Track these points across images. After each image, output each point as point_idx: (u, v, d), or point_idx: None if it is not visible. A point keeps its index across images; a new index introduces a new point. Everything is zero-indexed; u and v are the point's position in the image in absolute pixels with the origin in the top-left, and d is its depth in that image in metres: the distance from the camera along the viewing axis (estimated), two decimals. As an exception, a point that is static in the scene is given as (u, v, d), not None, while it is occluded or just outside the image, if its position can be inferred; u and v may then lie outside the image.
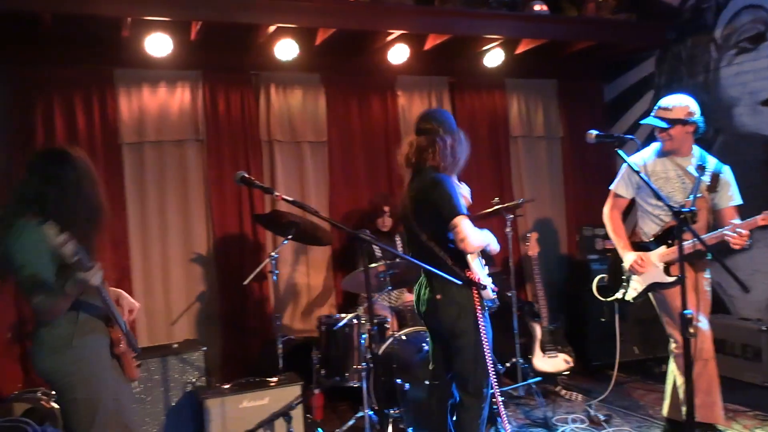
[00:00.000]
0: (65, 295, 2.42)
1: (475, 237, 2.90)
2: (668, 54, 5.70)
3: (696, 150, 3.57)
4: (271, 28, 4.51)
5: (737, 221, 3.32)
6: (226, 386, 3.79)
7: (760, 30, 4.89)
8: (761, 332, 4.66)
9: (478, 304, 2.96)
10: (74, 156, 2.65)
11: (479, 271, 3.03)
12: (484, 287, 2.95)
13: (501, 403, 3.21)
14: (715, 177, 3.51)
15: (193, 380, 4.01)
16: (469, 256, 2.97)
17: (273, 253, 4.14)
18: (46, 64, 4.44)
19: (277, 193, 2.64)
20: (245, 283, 4.20)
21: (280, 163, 5.18)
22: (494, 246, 3.08)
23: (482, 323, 2.96)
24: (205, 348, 4.17)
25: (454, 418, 3.08)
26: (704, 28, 5.33)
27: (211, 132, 4.90)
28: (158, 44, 4.39)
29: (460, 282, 2.81)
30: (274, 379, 3.85)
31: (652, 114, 3.56)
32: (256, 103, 5.09)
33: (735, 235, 3.24)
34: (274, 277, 4.17)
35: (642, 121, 3.50)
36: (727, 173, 3.56)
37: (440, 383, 3.24)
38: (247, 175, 2.63)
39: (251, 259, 4.83)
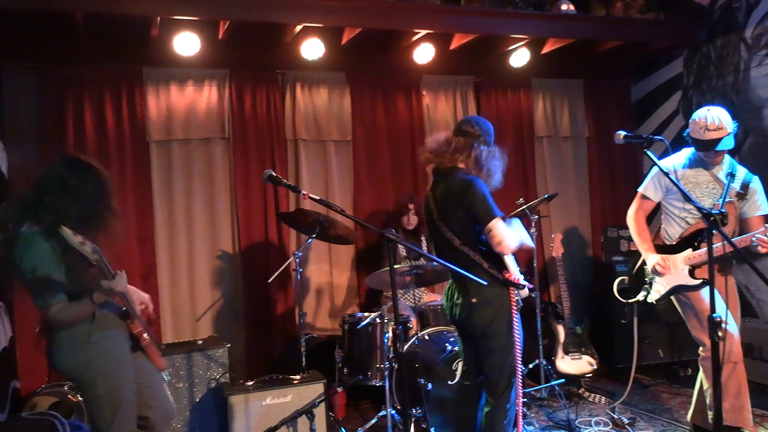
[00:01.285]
0: (90, 305, 2.47)
1: (511, 239, 2.88)
2: (697, 54, 5.61)
3: (726, 157, 3.53)
4: (298, 28, 4.54)
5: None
6: (250, 383, 3.82)
7: (793, 30, 4.80)
8: (791, 337, 4.59)
9: (514, 304, 2.95)
10: (87, 165, 2.68)
11: (515, 270, 3.02)
12: (523, 287, 2.94)
13: (522, 406, 3.18)
14: (745, 186, 3.49)
15: (217, 377, 4.04)
16: (505, 257, 2.96)
17: (297, 252, 4.16)
18: (77, 62, 4.51)
19: (304, 192, 2.67)
20: (269, 281, 4.24)
21: (305, 161, 5.20)
22: (528, 242, 3.06)
23: (516, 325, 2.95)
24: (229, 345, 4.20)
25: (482, 420, 3.07)
26: (735, 28, 5.24)
27: (238, 130, 4.94)
28: (186, 43, 4.44)
29: (487, 282, 2.79)
30: (297, 376, 3.87)
31: (690, 132, 3.46)
32: (281, 101, 5.12)
33: (765, 238, 3.19)
34: (298, 276, 4.19)
35: (718, 148, 3.40)
36: (756, 183, 3.53)
37: (471, 384, 3.23)
38: (274, 174, 2.66)
39: (276, 257, 4.86)
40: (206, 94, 4.91)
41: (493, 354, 3.00)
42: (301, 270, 4.25)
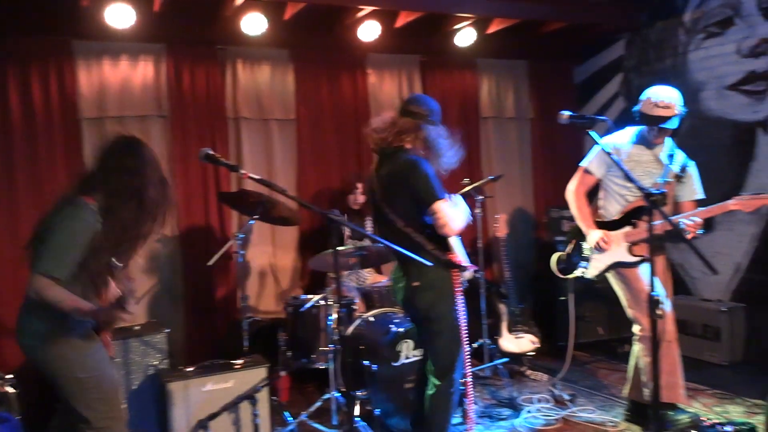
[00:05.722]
0: (78, 308, 2.33)
1: (455, 221, 2.85)
2: (638, 37, 5.72)
3: (667, 140, 3.59)
4: (239, 1, 4.37)
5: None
6: (190, 369, 3.71)
7: (728, 14, 4.92)
8: (721, 313, 4.77)
9: (457, 286, 2.93)
10: (147, 152, 2.63)
11: (460, 252, 2.99)
12: (467, 269, 2.92)
13: (470, 388, 3.19)
14: (683, 169, 3.57)
15: (156, 363, 3.92)
16: (450, 239, 2.93)
17: (239, 234, 4.05)
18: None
19: (243, 171, 2.56)
20: (210, 263, 4.11)
21: (246, 140, 5.07)
22: (466, 219, 3.03)
23: (459, 307, 2.93)
24: (168, 330, 4.07)
25: (426, 403, 3.06)
26: (674, 12, 5.35)
27: (175, 108, 4.76)
28: (120, 15, 4.23)
29: (431, 264, 2.75)
30: (240, 361, 3.78)
31: (640, 108, 3.50)
32: (222, 78, 4.95)
33: (692, 223, 3.28)
34: (240, 258, 4.09)
35: (664, 125, 3.44)
36: (693, 168, 3.62)
37: (422, 363, 3.22)
38: (212, 152, 2.54)
39: (217, 240, 4.74)
40: (142, 70, 4.71)
41: (436, 337, 2.98)
42: (243, 252, 4.14)
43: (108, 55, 4.61)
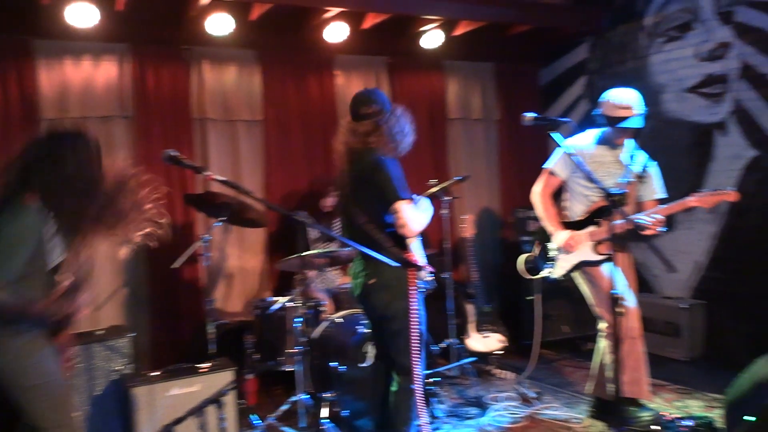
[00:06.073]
0: (26, 307, 2.26)
1: (415, 223, 2.88)
2: (601, 40, 5.82)
3: (629, 141, 3.67)
4: (204, 1, 4.34)
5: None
6: (155, 373, 3.66)
7: (687, 19, 5.04)
8: (681, 310, 4.89)
9: (413, 285, 2.95)
10: (83, 137, 2.48)
11: (418, 252, 3.02)
12: (421, 269, 2.94)
13: (426, 387, 3.20)
14: (645, 169, 3.64)
15: (120, 368, 3.85)
16: (410, 238, 2.96)
17: (205, 236, 4.01)
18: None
19: (207, 173, 2.55)
20: (174, 266, 4.06)
21: (213, 142, 5.02)
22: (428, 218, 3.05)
23: (415, 306, 2.95)
24: (133, 334, 4.01)
25: (391, 400, 3.08)
26: (635, 16, 5.46)
27: (140, 109, 4.69)
28: (81, 14, 4.16)
29: (395, 264, 2.78)
30: (206, 365, 3.75)
31: (602, 110, 3.57)
32: (187, 79, 4.90)
33: (649, 221, 3.35)
34: (206, 261, 4.05)
35: (624, 125, 3.50)
36: (654, 168, 3.69)
37: (382, 363, 3.23)
38: (175, 154, 2.51)
39: (183, 242, 4.67)
40: (105, 70, 4.64)
41: (396, 336, 3.00)
42: (209, 254, 4.10)
43: (70, 54, 4.52)
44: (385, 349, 3.15)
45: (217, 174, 2.59)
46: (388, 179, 2.88)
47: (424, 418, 3.08)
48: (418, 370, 3.04)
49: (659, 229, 3.38)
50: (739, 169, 4.74)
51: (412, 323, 2.96)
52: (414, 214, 2.89)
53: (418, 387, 3.03)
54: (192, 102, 4.92)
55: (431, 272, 3.02)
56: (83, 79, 4.57)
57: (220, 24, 4.53)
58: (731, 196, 3.36)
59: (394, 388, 3.05)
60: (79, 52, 4.55)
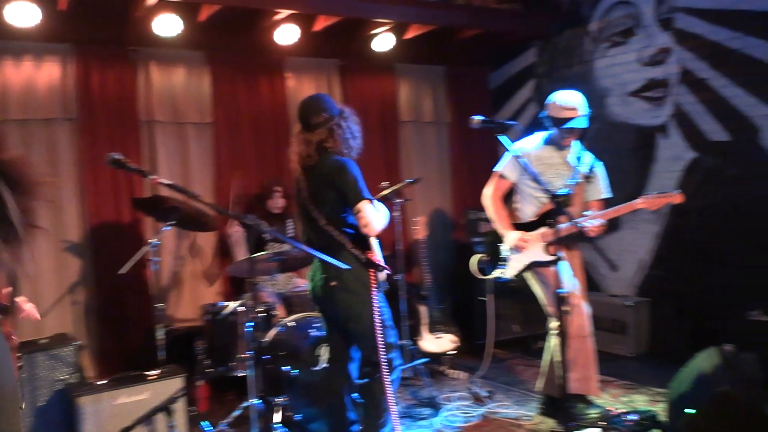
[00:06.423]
0: None
1: (377, 222, 2.92)
2: (549, 45, 5.95)
3: (575, 143, 3.76)
4: (150, 2, 4.25)
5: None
6: (102, 382, 3.57)
7: (630, 25, 5.20)
8: (627, 308, 5.04)
9: (374, 284, 2.99)
10: None
11: (377, 252, 3.06)
12: (383, 270, 2.98)
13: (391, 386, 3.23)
14: (592, 169, 3.74)
15: (65, 378, 3.74)
16: (370, 239, 2.99)
17: (153, 240, 3.93)
18: None
19: (153, 176, 2.50)
20: (121, 272, 3.96)
21: (161, 145, 4.93)
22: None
23: (377, 304, 2.98)
24: (78, 342, 3.90)
25: (361, 399, 3.11)
26: (581, 21, 5.61)
27: (84, 111, 4.57)
28: (22, 13, 4.04)
29: (346, 267, 2.80)
30: (155, 372, 3.67)
31: (548, 112, 3.66)
32: (134, 80, 4.80)
33: (591, 225, 3.44)
34: (155, 265, 3.97)
35: (569, 125, 3.57)
36: (600, 168, 3.79)
37: (337, 366, 3.24)
38: (119, 157, 2.46)
39: (130, 247, 4.54)
40: (47, 71, 4.51)
41: (362, 337, 3.05)
42: (158, 259, 4.02)
43: (9, 54, 4.38)
44: (342, 351, 3.17)
45: (163, 178, 2.54)
46: (352, 180, 2.92)
47: (394, 412, 3.10)
48: (397, 360, 3.09)
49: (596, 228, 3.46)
50: (679, 170, 4.91)
51: (376, 321, 2.99)
52: (376, 214, 2.93)
53: (386, 380, 3.05)
54: (139, 104, 4.82)
55: (389, 273, 3.07)
56: (24, 80, 4.43)
57: (167, 25, 4.46)
58: (676, 198, 3.50)
59: (364, 387, 3.11)
60: (19, 52, 4.41)
